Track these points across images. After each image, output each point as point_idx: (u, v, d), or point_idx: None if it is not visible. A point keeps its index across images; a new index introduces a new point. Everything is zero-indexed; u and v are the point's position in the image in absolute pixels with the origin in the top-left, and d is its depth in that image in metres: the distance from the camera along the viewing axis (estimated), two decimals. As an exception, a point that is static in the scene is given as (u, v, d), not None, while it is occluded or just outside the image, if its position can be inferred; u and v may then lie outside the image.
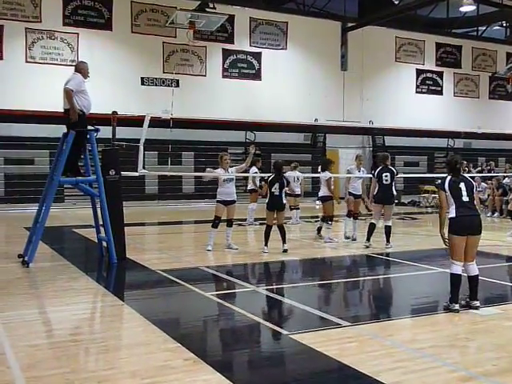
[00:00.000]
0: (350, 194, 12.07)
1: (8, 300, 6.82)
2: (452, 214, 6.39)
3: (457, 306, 6.35)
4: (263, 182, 10.91)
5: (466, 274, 6.50)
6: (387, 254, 10.40)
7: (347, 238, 11.97)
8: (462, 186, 6.46)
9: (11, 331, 5.59)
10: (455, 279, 6.39)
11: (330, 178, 11.84)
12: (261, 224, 14.90)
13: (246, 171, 13.09)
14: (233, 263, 9.88)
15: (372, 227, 10.94)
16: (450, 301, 6.41)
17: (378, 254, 10.41)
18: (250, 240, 13.13)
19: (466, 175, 6.89)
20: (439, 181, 6.69)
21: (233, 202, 10.70)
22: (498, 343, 5.35)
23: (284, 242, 10.59)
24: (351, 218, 12.10)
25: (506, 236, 12.23)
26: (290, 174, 15.31)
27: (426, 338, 5.47)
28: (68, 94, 9.08)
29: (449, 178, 6.52)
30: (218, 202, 10.68)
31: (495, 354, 5.05)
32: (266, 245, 10.47)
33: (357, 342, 5.31)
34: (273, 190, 10.53)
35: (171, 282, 7.98)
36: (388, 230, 10.99)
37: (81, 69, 9.47)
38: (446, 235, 6.45)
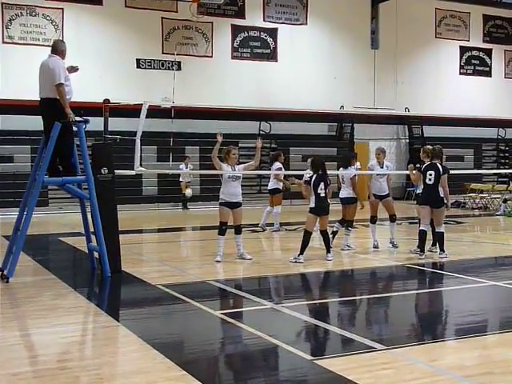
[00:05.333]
0: (374, 195, 12.02)
1: (-15, 321, 6.86)
2: None
3: None
4: (296, 180, 10.99)
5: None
6: (424, 265, 10.36)
7: (394, 244, 11.94)
8: None
9: (-11, 357, 5.63)
10: None
11: (355, 175, 11.81)
12: (287, 230, 14.88)
13: (258, 168, 12.89)
14: (246, 276, 9.88)
15: (423, 235, 10.81)
16: None
17: (415, 265, 10.36)
18: (266, 248, 13.12)
19: None
20: None
21: (238, 204, 10.65)
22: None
23: (328, 251, 10.73)
24: (374, 224, 12.12)
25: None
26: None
27: (476, 363, 5.43)
28: (62, 92, 9.03)
29: None
30: (221, 204, 10.64)
31: (558, 383, 5.01)
32: (301, 253, 10.46)
33: (393, 369, 5.28)
34: (319, 191, 10.52)
35: (174, 298, 7.98)
36: (440, 237, 10.90)
37: (62, 50, 9.42)
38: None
